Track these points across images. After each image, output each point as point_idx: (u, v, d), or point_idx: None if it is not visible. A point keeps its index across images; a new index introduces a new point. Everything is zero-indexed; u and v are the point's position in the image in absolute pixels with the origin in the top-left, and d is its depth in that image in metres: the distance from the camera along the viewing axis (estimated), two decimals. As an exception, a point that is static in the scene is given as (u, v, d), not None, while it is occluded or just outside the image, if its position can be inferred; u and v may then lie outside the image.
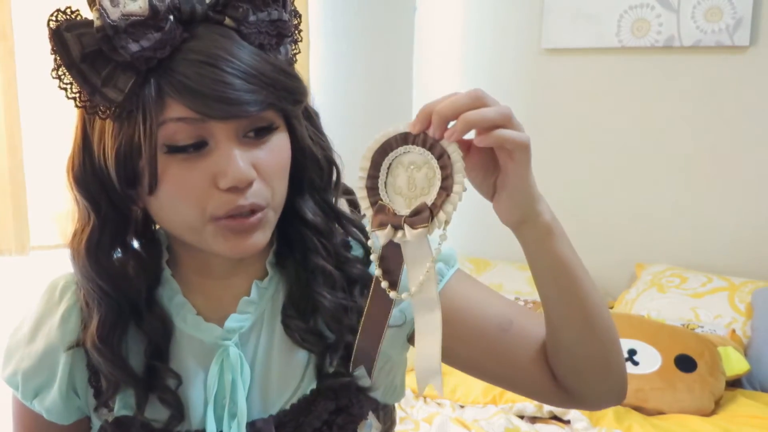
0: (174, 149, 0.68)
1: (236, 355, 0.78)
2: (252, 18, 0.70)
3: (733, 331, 2.29)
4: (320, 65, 2.69)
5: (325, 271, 0.79)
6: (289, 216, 0.78)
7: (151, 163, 0.68)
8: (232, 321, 0.79)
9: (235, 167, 0.68)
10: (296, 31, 0.75)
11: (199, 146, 0.69)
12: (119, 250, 0.78)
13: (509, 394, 2.02)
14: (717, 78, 2.60)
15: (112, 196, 0.73)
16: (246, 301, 0.80)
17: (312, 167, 0.79)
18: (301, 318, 0.79)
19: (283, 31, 0.72)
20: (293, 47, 0.76)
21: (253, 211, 0.70)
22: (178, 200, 0.70)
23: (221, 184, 0.68)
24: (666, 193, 2.72)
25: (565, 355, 0.77)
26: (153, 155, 0.68)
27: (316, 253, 0.79)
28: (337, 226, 0.82)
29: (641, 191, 2.76)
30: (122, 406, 0.79)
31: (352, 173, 0.71)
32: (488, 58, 3.01)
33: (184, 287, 0.81)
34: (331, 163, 0.81)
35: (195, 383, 0.79)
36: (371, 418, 0.82)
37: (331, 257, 0.80)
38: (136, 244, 0.79)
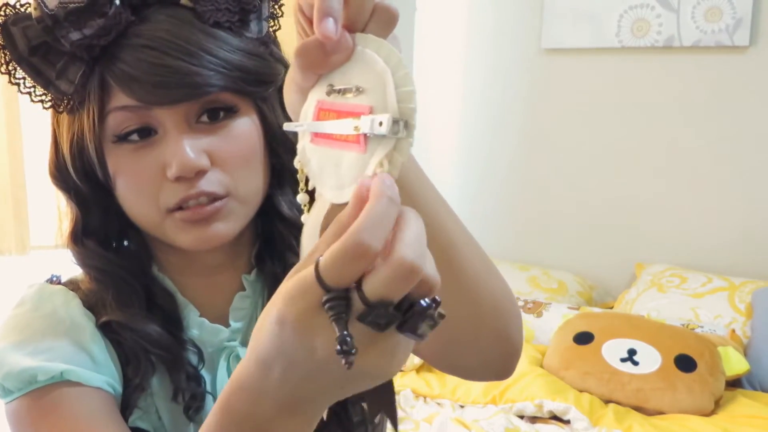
0: (120, 138, 0.65)
1: None
2: None
3: (733, 331, 2.29)
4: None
5: None
6: (268, 211, 0.74)
7: (98, 155, 0.66)
8: (235, 320, 0.75)
9: (181, 156, 0.64)
10: (274, 5, 0.69)
11: (145, 134, 0.65)
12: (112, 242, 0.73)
13: (509, 394, 2.02)
14: (717, 78, 2.60)
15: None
16: (241, 297, 0.75)
17: (288, 156, 0.70)
18: None
19: (246, 7, 0.67)
20: (273, 23, 0.70)
21: (210, 200, 0.66)
22: (134, 193, 0.67)
23: (168, 174, 0.65)
24: (666, 193, 2.72)
25: None
26: (99, 147, 0.66)
27: (293, 253, 0.74)
28: None
29: (641, 191, 2.76)
30: (138, 417, 0.71)
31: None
32: (488, 58, 3.00)
33: (175, 286, 0.75)
34: None
35: None
36: None
37: None
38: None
